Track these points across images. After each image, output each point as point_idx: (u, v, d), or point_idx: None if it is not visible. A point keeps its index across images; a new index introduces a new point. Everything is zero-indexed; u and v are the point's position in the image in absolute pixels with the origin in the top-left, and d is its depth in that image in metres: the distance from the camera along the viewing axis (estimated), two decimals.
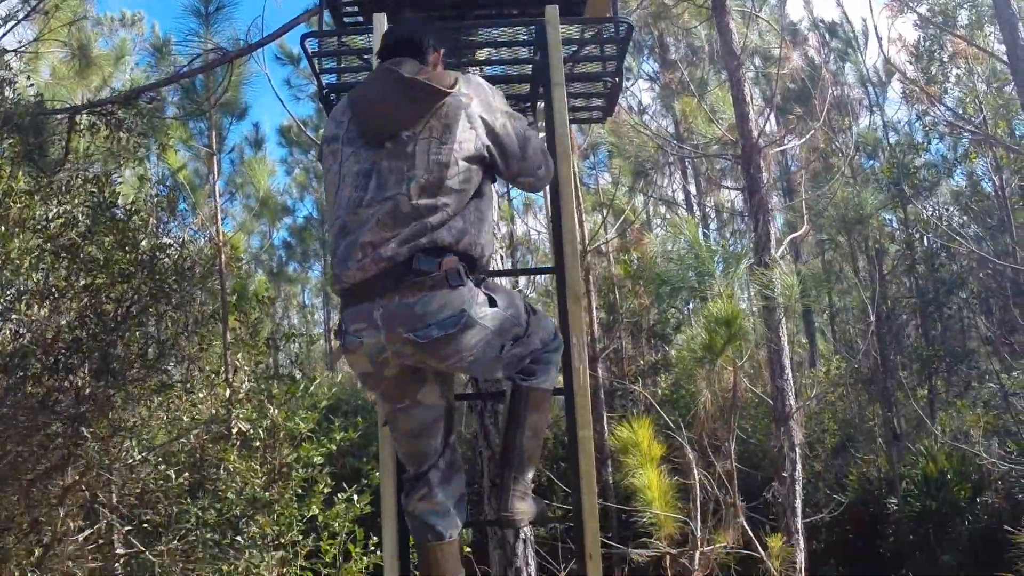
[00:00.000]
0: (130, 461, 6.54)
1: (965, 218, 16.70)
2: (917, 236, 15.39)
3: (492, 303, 3.19)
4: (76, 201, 6.65)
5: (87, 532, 6.94)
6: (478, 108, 3.20)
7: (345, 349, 3.19)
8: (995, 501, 12.18)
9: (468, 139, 3.16)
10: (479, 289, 3.18)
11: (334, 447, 7.98)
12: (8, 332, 6.26)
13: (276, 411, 7.38)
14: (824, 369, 16.70)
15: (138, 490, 6.90)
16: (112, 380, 5.99)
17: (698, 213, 18.67)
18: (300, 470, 7.65)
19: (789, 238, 8.31)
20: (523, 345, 3.34)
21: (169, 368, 6.83)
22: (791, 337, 21.06)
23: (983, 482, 12.26)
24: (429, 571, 3.36)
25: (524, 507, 3.42)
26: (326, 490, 7.86)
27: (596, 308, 12.55)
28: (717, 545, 7.28)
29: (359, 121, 3.21)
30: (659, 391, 11.89)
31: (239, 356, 7.76)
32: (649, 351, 12.40)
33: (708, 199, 19.26)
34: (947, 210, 16.32)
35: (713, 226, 19.99)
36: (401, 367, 3.19)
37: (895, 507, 12.53)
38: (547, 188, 4.12)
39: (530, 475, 3.45)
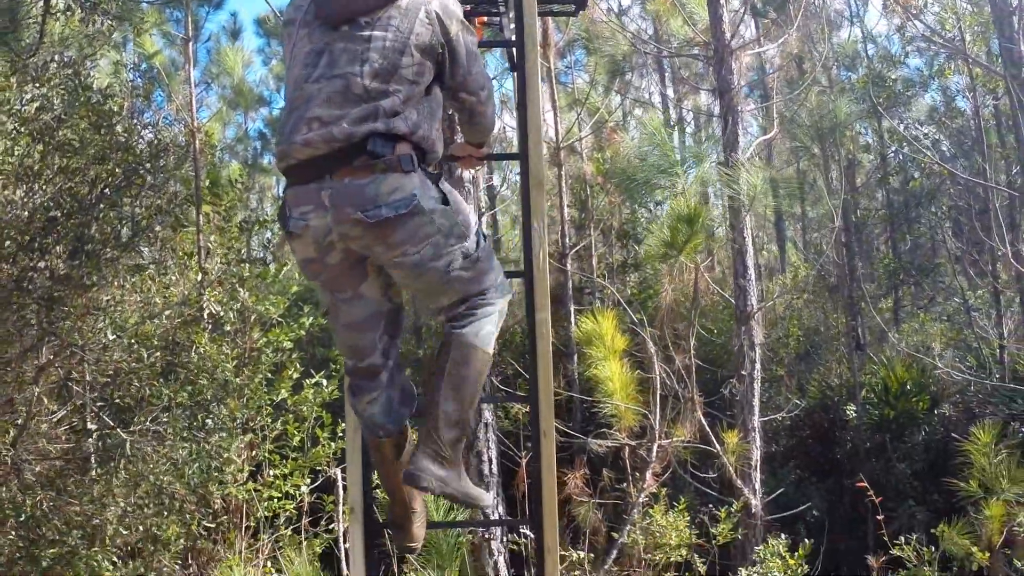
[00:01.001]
0: (104, 341, 6.63)
1: (940, 135, 16.82)
2: (891, 150, 15.51)
3: (444, 201, 3.19)
4: (51, 83, 6.63)
5: (61, 412, 7.07)
6: (437, 6, 3.23)
7: (289, 233, 3.19)
8: (952, 413, 12.48)
9: (424, 32, 3.19)
10: (432, 184, 3.20)
11: (303, 333, 8.09)
12: None
13: (247, 294, 7.48)
14: (791, 275, 16.94)
15: (111, 371, 7.01)
16: (86, 260, 6.05)
17: (674, 115, 18.68)
18: (270, 355, 7.75)
19: (758, 140, 8.43)
20: (471, 271, 3.28)
21: (143, 250, 6.89)
22: (762, 244, 21.33)
23: (941, 394, 12.53)
24: (382, 463, 3.48)
25: (435, 470, 3.20)
26: (295, 375, 7.99)
27: (567, 206, 12.65)
28: (675, 438, 7.52)
29: (319, 3, 3.21)
30: (628, 289, 12.05)
31: (212, 239, 7.83)
32: (619, 250, 12.54)
33: (686, 103, 19.25)
34: (920, 125, 16.38)
35: (689, 130, 20.01)
36: (345, 254, 3.18)
37: (854, 414, 12.77)
38: (515, 81, 4.15)
39: (448, 437, 3.24)
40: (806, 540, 6.98)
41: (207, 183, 7.98)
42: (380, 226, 3.07)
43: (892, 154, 13.98)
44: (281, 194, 3.10)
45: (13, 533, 6.32)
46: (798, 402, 12.84)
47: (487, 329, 3.31)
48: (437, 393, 3.23)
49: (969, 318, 13.86)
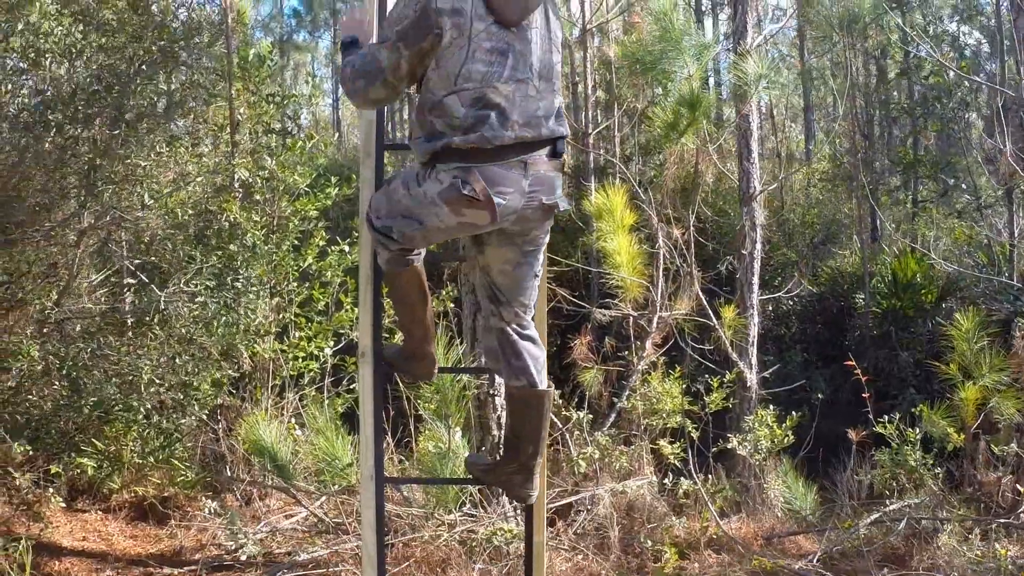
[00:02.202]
0: (140, 208, 7.07)
1: (969, 29, 16.78)
2: (913, 47, 15.49)
3: None
4: None
5: (101, 275, 7.56)
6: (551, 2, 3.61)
7: (469, 199, 3.47)
8: (958, 308, 12.72)
9: (558, 30, 3.60)
10: None
11: (329, 203, 8.45)
12: (31, 89, 6.68)
13: (273, 162, 7.87)
14: (808, 163, 17.12)
15: (147, 238, 7.46)
16: (125, 130, 6.45)
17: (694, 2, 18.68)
18: (296, 223, 8.13)
19: (769, 29, 8.65)
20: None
21: (178, 123, 7.27)
22: (792, 135, 21.44)
23: (949, 288, 12.79)
24: (409, 294, 3.91)
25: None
26: (321, 243, 8.37)
27: (593, 87, 12.92)
28: (675, 311, 7.94)
29: (498, 6, 3.40)
30: (650, 171, 12.34)
31: (241, 112, 8.18)
32: (641, 132, 12.78)
33: None
34: (942, 21, 16.29)
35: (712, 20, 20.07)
36: (501, 229, 3.63)
37: (863, 303, 13.09)
38: None
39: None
40: (793, 413, 7.39)
41: (237, 60, 8.27)
42: (551, 213, 3.60)
43: (912, 51, 13.98)
44: (463, 165, 3.33)
45: (57, 384, 6.85)
46: (809, 287, 13.18)
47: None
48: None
49: (981, 215, 14.03)
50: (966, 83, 13.00)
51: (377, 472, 4.19)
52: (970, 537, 5.88)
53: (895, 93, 16.58)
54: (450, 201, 3.45)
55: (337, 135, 23.94)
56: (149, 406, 7.03)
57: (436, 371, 4.18)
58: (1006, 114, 8.60)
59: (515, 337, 3.79)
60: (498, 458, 4.15)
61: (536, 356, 3.81)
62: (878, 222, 14.68)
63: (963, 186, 14.87)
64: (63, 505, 6.84)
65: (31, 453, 6.91)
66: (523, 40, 3.50)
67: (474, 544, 5.80)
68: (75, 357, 6.71)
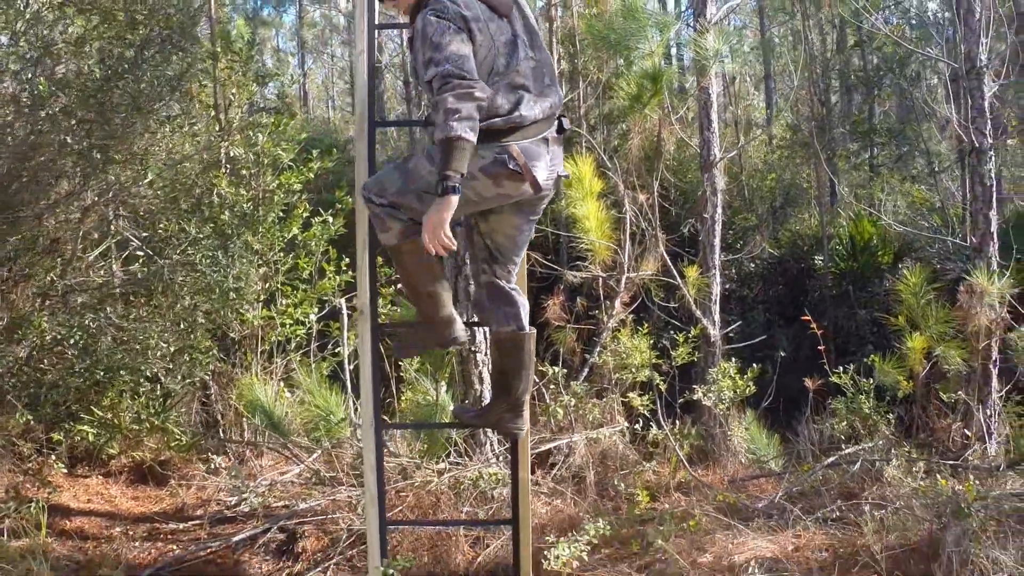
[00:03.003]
0: (141, 184, 7.42)
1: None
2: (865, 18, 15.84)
3: None
4: None
5: (104, 245, 7.89)
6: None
7: (511, 172, 3.87)
8: (912, 268, 13.11)
9: (529, 12, 4.10)
10: None
11: (312, 175, 8.73)
12: (44, 76, 6.96)
13: (263, 139, 8.24)
14: (767, 130, 17.55)
15: (142, 211, 7.80)
16: (132, 112, 6.80)
17: None
18: (281, 195, 8.39)
19: (727, 5, 9.04)
20: None
21: (174, 104, 7.60)
22: (755, 102, 21.85)
23: (904, 250, 13.16)
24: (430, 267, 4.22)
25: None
26: (304, 214, 8.62)
27: (559, 59, 13.27)
28: (642, 272, 8.39)
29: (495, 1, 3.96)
30: (614, 140, 12.69)
31: (232, 92, 8.52)
32: (604, 103, 13.13)
33: None
34: None
35: None
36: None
37: (821, 264, 13.50)
38: None
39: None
40: (754, 365, 7.77)
41: (221, 41, 8.59)
42: (559, 183, 4.21)
43: (862, 24, 14.39)
44: (502, 143, 3.67)
45: (69, 353, 7.18)
46: (770, 250, 13.57)
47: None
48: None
49: (935, 180, 14.47)
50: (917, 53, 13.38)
51: (376, 418, 4.62)
52: (914, 470, 6.31)
53: (855, 60, 16.96)
54: (493, 174, 3.84)
55: (306, 109, 24.31)
56: (156, 369, 7.39)
57: (459, 331, 4.40)
58: (955, 83, 9.00)
59: (507, 288, 4.23)
60: (484, 405, 4.62)
61: (523, 304, 4.27)
62: (836, 187, 15.10)
63: (915, 153, 15.27)
64: (65, 471, 7.16)
65: (31, 423, 7.25)
66: (515, 22, 3.99)
67: (462, 488, 6.21)
68: (83, 327, 7.02)
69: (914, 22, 15.80)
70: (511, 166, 3.81)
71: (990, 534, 4.95)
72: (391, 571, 4.60)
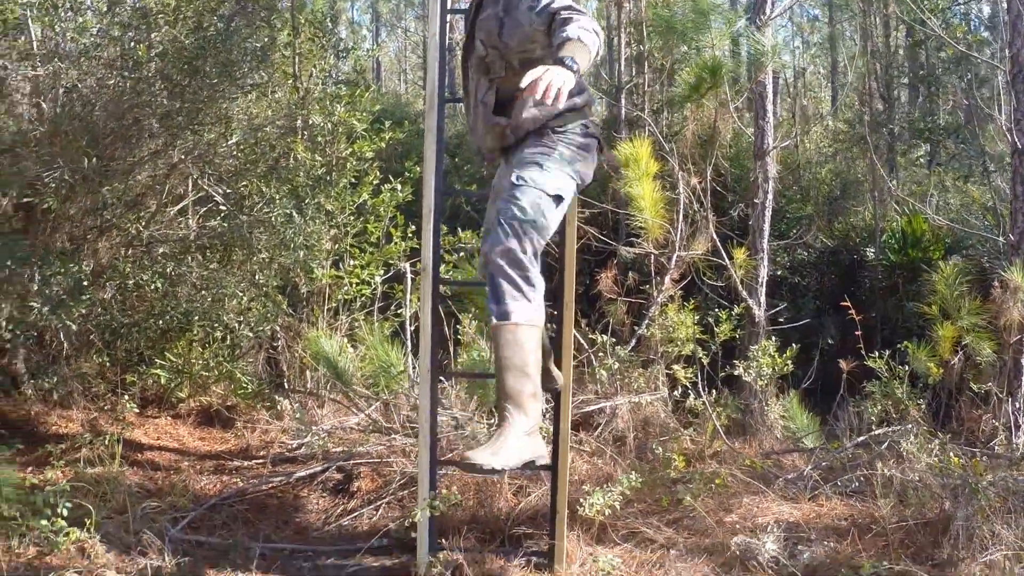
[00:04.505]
0: (224, 145, 7.88)
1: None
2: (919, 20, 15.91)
3: None
4: None
5: (185, 201, 8.38)
6: None
7: (600, 150, 4.21)
8: (963, 265, 13.23)
9: None
10: None
11: (383, 144, 9.10)
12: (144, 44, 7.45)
13: (341, 108, 8.66)
14: (822, 122, 17.68)
15: (224, 170, 8.25)
16: (222, 80, 7.27)
17: None
18: (354, 162, 8.82)
19: (786, 2, 9.33)
20: None
21: (258, 73, 8.03)
22: (819, 95, 21.98)
23: (955, 246, 13.32)
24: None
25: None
26: (375, 181, 9.01)
27: (625, 45, 13.63)
28: (692, 251, 8.73)
29: None
30: (675, 125, 12.96)
31: (313, 65, 8.91)
32: (668, 89, 13.44)
33: None
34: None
35: None
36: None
37: (873, 256, 13.74)
38: None
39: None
40: (793, 345, 7.99)
41: (305, 15, 9.02)
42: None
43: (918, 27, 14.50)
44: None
45: (150, 297, 7.65)
46: (824, 240, 13.75)
47: None
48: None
49: (988, 180, 14.57)
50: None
51: (433, 367, 5.00)
52: (929, 446, 6.54)
53: (922, 58, 17.03)
54: (592, 151, 4.13)
55: (378, 81, 24.71)
56: (228, 318, 7.87)
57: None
58: (1009, 85, 9.16)
59: None
60: None
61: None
62: (891, 181, 15.24)
63: (972, 152, 15.31)
64: (136, 411, 7.58)
65: (106, 365, 7.82)
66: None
67: None
68: (164, 274, 7.53)
69: (975, 24, 15.87)
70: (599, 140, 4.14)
71: (996, 510, 5.22)
72: (436, 502, 4.94)
